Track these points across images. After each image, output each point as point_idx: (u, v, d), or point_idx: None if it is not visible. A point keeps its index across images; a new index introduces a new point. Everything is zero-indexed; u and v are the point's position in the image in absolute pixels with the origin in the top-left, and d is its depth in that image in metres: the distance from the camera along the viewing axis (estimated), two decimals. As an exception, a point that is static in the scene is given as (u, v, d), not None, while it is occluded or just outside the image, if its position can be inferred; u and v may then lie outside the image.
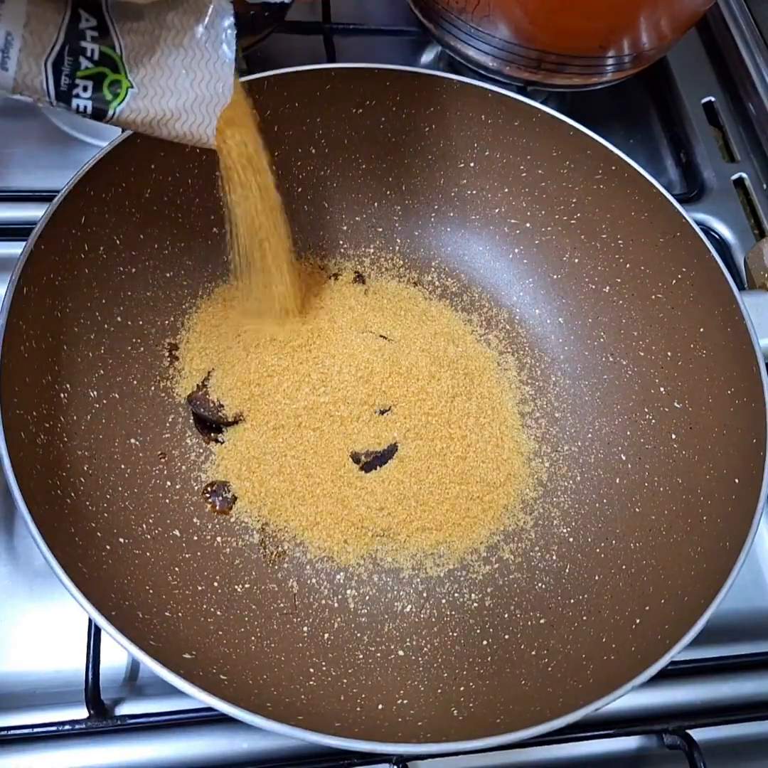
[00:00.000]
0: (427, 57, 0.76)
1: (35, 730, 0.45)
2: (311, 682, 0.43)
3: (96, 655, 0.45)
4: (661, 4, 0.59)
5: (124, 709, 0.47)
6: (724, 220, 0.71)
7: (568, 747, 0.49)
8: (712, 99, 0.77)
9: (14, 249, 0.56)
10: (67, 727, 0.45)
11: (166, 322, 0.54)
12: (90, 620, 0.46)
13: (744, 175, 0.73)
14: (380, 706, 0.42)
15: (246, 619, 0.46)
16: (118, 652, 0.47)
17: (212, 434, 0.52)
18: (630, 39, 0.61)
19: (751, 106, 0.76)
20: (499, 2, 0.59)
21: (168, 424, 0.52)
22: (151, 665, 0.36)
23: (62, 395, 0.46)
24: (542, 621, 0.48)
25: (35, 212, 0.58)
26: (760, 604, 0.56)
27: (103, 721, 0.45)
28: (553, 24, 0.59)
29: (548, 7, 0.58)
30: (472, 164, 0.59)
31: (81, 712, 0.45)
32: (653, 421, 0.53)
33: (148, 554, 0.45)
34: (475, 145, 0.58)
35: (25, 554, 0.50)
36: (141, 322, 0.53)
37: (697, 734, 0.48)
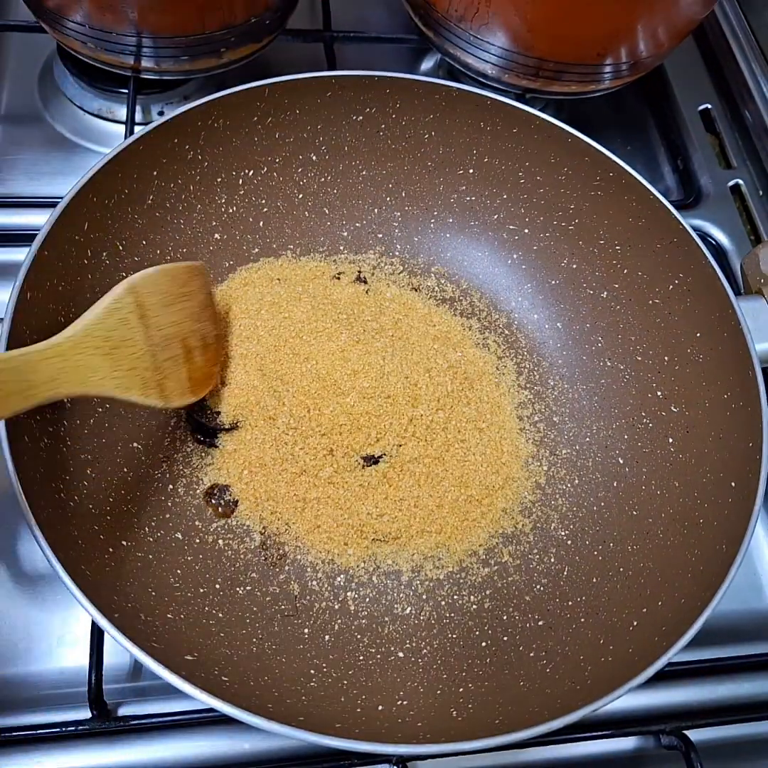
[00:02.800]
0: (427, 65, 0.77)
1: (39, 731, 0.45)
2: (312, 684, 0.43)
3: (99, 657, 0.46)
4: (658, 12, 0.59)
5: (127, 710, 0.47)
6: (721, 226, 0.71)
7: (566, 747, 0.49)
8: (709, 106, 0.78)
9: (18, 255, 0.57)
10: (70, 728, 0.45)
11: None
12: (93, 622, 0.46)
13: (740, 181, 0.74)
14: (380, 707, 0.43)
15: (247, 620, 0.46)
16: (120, 654, 0.48)
17: (208, 439, 0.52)
18: (627, 47, 0.62)
19: (748, 113, 0.77)
20: (497, 10, 0.59)
21: (170, 428, 0.52)
22: (153, 667, 0.36)
23: (65, 400, 0.46)
24: (541, 623, 0.48)
25: (38, 218, 0.59)
26: (756, 606, 0.56)
27: (105, 722, 0.46)
28: (551, 32, 0.60)
29: (546, 16, 0.58)
30: (471, 171, 0.59)
31: (84, 713, 0.46)
32: (650, 425, 0.53)
33: (150, 557, 0.46)
34: (474, 151, 0.58)
35: (28, 557, 0.51)
36: (143, 327, 0.53)
37: (694, 735, 0.49)
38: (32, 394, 0.36)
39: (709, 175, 0.74)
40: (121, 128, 0.67)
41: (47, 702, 0.47)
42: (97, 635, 0.46)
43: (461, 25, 0.62)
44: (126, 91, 0.65)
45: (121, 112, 0.67)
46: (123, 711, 0.47)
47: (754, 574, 0.57)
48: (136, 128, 0.58)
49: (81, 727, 0.45)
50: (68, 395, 0.39)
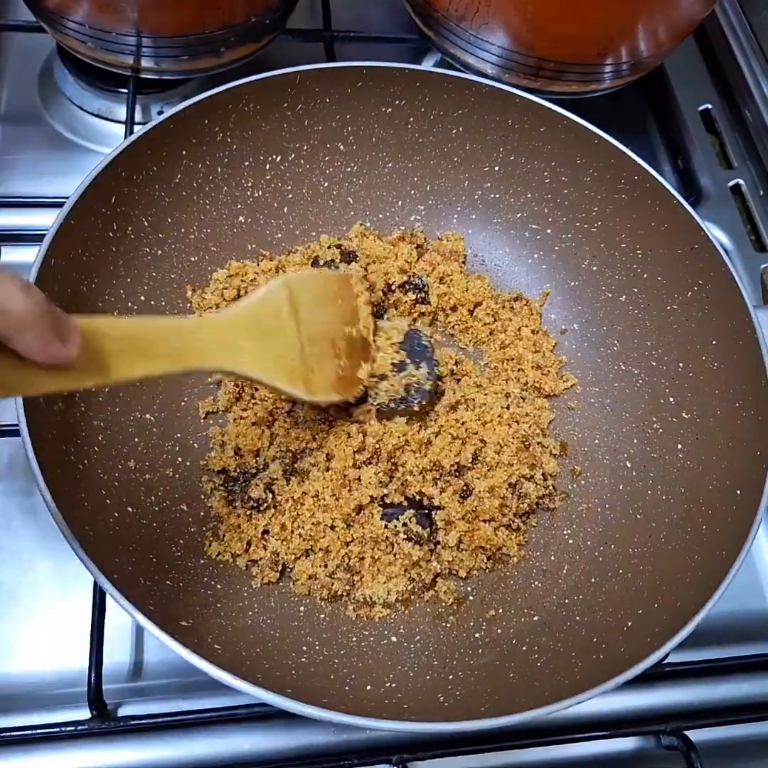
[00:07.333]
0: (427, 64, 0.76)
1: (38, 731, 0.45)
2: (303, 659, 0.44)
3: (99, 657, 0.46)
4: (659, 12, 0.59)
5: (126, 711, 0.47)
6: (721, 225, 0.70)
7: (566, 747, 0.49)
8: (709, 106, 0.77)
9: (18, 255, 0.58)
10: (69, 728, 0.45)
11: (188, 304, 0.55)
12: (93, 622, 0.46)
13: (741, 181, 0.73)
14: (369, 688, 0.43)
15: (245, 594, 0.47)
16: (120, 654, 0.48)
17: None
18: (628, 47, 0.61)
19: (748, 113, 0.76)
20: (498, 10, 0.59)
21: (184, 404, 0.53)
22: (148, 627, 0.36)
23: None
24: (536, 618, 0.48)
25: (38, 218, 0.59)
26: (756, 607, 0.56)
27: (105, 722, 0.45)
28: (551, 31, 0.59)
29: (547, 15, 0.58)
30: (496, 168, 0.59)
31: (83, 714, 0.45)
32: (660, 430, 0.53)
33: (154, 525, 0.47)
34: (501, 149, 0.58)
35: (29, 558, 0.51)
36: (164, 303, 0.54)
37: (694, 735, 0.49)
38: (181, 359, 0.38)
39: (710, 175, 0.73)
40: (121, 128, 0.66)
41: (47, 702, 0.47)
42: (97, 635, 0.46)
43: (461, 24, 0.61)
44: (126, 90, 0.64)
45: (121, 112, 0.66)
46: (123, 711, 0.47)
47: (754, 574, 0.57)
48: (136, 128, 0.57)
49: (81, 727, 0.45)
50: (216, 369, 0.41)
